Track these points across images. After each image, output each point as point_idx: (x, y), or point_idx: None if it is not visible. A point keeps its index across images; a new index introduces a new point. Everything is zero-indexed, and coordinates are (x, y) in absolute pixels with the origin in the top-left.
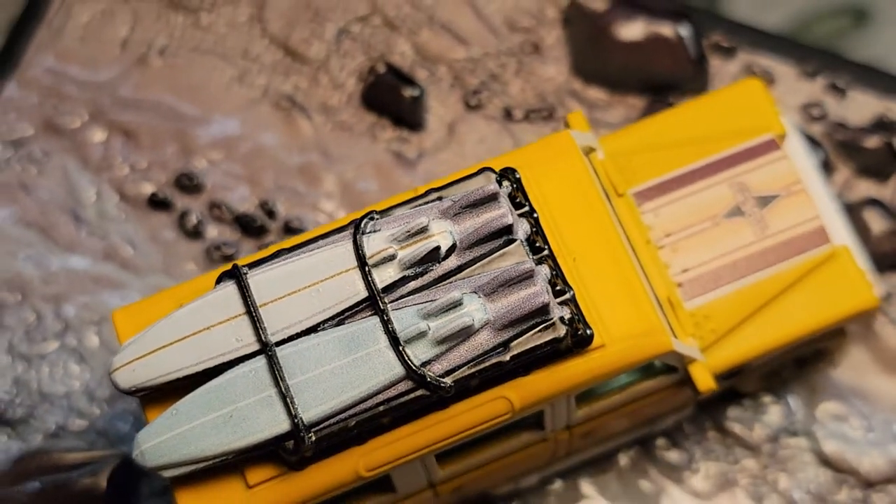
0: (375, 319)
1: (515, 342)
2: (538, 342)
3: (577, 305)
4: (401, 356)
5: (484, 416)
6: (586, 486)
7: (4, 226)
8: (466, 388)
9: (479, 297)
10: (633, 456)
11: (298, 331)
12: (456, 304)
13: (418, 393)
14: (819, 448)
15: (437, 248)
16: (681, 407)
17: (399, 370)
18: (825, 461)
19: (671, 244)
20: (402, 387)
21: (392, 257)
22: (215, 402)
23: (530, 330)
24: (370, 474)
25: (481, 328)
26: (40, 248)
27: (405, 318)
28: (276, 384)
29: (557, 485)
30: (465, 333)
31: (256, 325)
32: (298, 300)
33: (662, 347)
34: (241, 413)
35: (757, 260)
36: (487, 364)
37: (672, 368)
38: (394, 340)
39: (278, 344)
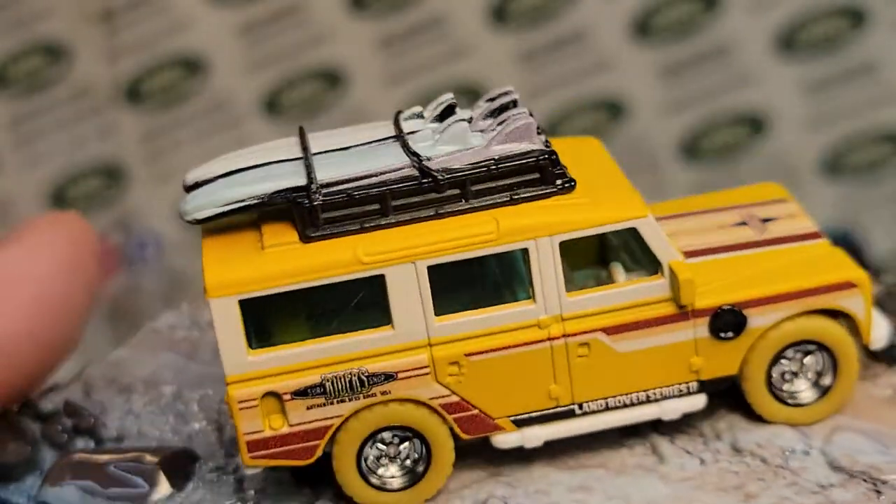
0: (396, 143)
1: (505, 156)
2: (522, 150)
3: (561, 165)
4: (407, 149)
5: (472, 231)
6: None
7: None
8: (461, 186)
9: (481, 133)
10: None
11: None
12: (460, 123)
13: (416, 176)
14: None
15: (455, 104)
16: (678, 370)
17: (405, 159)
18: (835, 466)
19: (677, 234)
20: (405, 172)
21: (420, 115)
22: (249, 175)
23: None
24: (368, 260)
25: (478, 147)
26: None
27: (419, 137)
28: (305, 158)
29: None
30: (462, 140)
31: (308, 169)
32: (344, 156)
33: (638, 213)
34: (271, 173)
35: (754, 244)
36: (477, 163)
37: (655, 264)
38: (404, 143)
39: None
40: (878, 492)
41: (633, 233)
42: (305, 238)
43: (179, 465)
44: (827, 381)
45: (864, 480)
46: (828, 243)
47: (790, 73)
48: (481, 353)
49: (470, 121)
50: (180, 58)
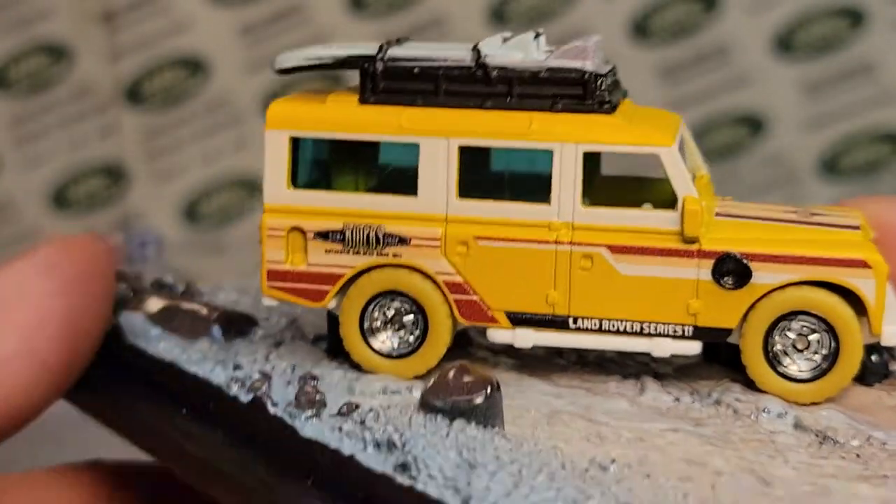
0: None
1: (554, 67)
2: (571, 66)
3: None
4: (475, 48)
5: (507, 123)
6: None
7: None
8: (508, 84)
9: (548, 52)
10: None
11: None
12: (527, 34)
13: (472, 67)
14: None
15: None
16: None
17: (468, 55)
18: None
19: (728, 206)
20: (464, 62)
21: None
22: (335, 46)
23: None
24: (408, 126)
25: (537, 58)
26: None
27: (490, 42)
28: (387, 43)
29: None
30: (525, 49)
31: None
32: (422, 47)
33: (663, 141)
34: (354, 47)
35: (791, 220)
36: (528, 68)
37: (672, 202)
38: (475, 46)
39: None
40: (821, 443)
41: (657, 161)
42: (363, 100)
43: (235, 323)
44: (826, 363)
45: (815, 434)
46: (861, 235)
47: (789, 74)
48: (490, 239)
49: (537, 36)
50: (181, 58)
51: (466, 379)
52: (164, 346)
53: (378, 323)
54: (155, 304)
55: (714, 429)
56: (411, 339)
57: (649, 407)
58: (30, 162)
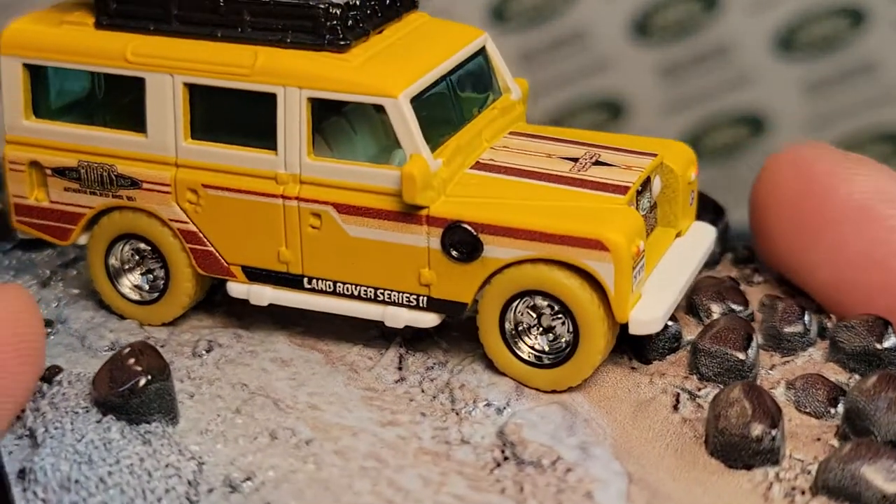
0: None
1: None
2: (298, 2)
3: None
4: None
5: (229, 59)
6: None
7: None
8: (238, 13)
9: None
10: None
11: None
12: None
13: None
14: None
15: None
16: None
17: None
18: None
19: (510, 149)
20: None
21: None
22: None
23: None
24: (133, 60)
25: None
26: None
27: None
28: None
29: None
30: None
31: None
32: None
33: (389, 91)
34: None
35: (556, 178)
36: None
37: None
38: None
39: None
40: (498, 464)
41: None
42: (98, 24)
43: None
44: (569, 349)
45: (502, 450)
46: (625, 201)
47: (790, 73)
48: (217, 188)
49: None
50: None
51: (132, 364)
52: None
53: (127, 265)
54: None
55: (399, 431)
56: (156, 285)
57: (365, 388)
58: None
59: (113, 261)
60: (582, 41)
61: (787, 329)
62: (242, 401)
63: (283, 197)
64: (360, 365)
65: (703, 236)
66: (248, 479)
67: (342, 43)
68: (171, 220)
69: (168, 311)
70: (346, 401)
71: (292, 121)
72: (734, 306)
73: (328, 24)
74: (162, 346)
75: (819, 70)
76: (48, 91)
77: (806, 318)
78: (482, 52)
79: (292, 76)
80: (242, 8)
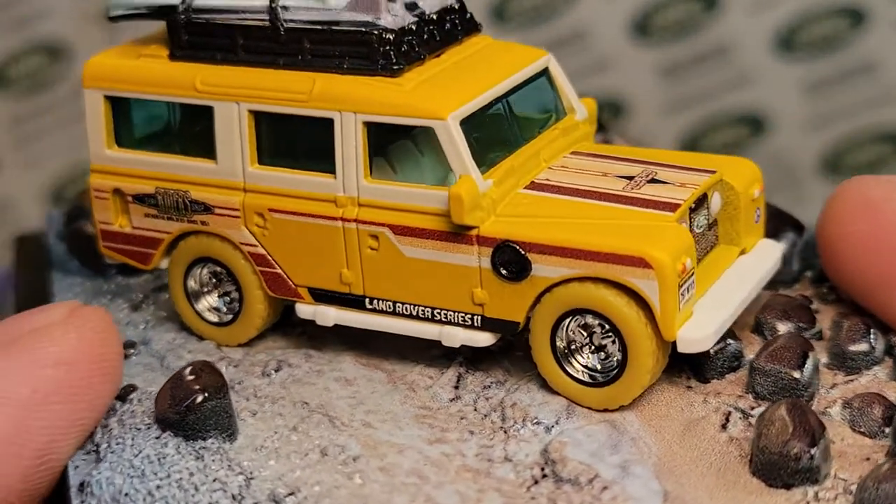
0: None
1: (338, 20)
2: (356, 19)
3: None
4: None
5: (288, 86)
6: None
7: None
8: (298, 41)
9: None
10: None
11: None
12: None
13: (266, 20)
14: None
15: None
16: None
17: (266, 2)
18: (544, 451)
19: (567, 168)
20: (261, 14)
21: None
22: None
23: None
24: (202, 89)
25: (335, 9)
26: None
27: None
28: None
29: None
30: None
31: None
32: None
33: (438, 114)
34: None
35: (611, 196)
36: (317, 22)
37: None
38: None
39: None
40: (536, 482)
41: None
42: (172, 56)
43: None
44: (618, 368)
45: (542, 467)
46: (674, 218)
47: (790, 73)
48: (282, 212)
49: None
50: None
51: (190, 381)
52: None
53: (205, 288)
54: None
55: (444, 449)
56: (231, 307)
57: (420, 406)
58: (28, 162)
59: (192, 283)
60: (582, 41)
61: (852, 347)
62: (301, 419)
63: (343, 219)
64: (419, 384)
65: (767, 254)
66: (292, 493)
67: (395, 67)
68: (242, 243)
69: (243, 333)
70: (399, 419)
71: (349, 144)
72: (800, 324)
73: (381, 49)
74: (235, 366)
75: (819, 70)
76: (129, 121)
77: (871, 336)
78: (545, 72)
79: (347, 101)
80: (302, 36)
